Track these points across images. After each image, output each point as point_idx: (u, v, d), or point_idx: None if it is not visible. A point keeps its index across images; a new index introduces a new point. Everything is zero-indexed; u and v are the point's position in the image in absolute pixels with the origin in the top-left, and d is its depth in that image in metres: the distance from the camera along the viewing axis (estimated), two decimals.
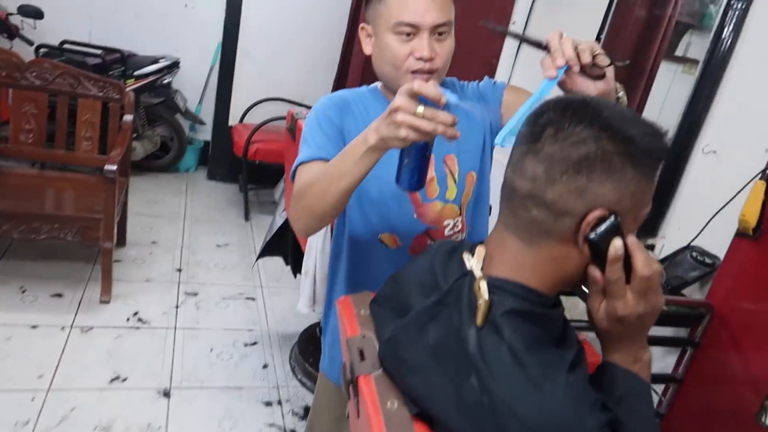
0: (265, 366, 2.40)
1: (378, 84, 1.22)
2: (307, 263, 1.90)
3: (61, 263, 2.83)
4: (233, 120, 4.19)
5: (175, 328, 2.55)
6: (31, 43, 3.54)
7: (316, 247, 1.86)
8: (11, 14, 3.54)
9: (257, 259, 2.47)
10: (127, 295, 2.71)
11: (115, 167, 2.44)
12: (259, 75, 4.19)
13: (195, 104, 4.28)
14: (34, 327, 2.37)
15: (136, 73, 3.73)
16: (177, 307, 2.70)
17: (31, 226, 2.44)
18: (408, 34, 1.06)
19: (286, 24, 4.12)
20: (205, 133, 4.45)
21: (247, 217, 3.76)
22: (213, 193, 4.11)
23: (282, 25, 4.12)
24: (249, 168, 3.72)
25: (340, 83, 3.46)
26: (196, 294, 2.84)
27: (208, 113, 4.37)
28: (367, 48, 1.15)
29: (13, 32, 3.56)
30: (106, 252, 2.56)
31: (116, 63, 3.67)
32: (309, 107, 4.07)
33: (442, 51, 1.09)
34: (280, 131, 3.85)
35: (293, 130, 2.03)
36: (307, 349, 2.39)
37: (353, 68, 3.19)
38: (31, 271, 2.72)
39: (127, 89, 3.27)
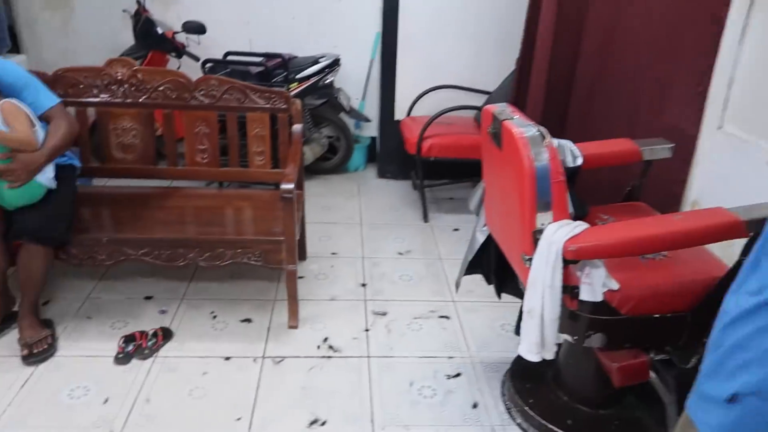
0: (474, 405, 2.04)
1: None
2: (532, 300, 1.49)
3: (246, 283, 2.72)
4: (400, 114, 3.88)
5: (368, 356, 2.29)
6: (197, 59, 3.52)
7: (543, 281, 1.44)
8: (177, 32, 3.55)
9: (458, 282, 2.12)
10: (314, 317, 2.51)
11: (291, 186, 2.23)
12: (423, 63, 3.82)
13: (358, 101, 4.05)
14: (227, 359, 2.24)
15: (298, 76, 3.57)
16: (367, 330, 2.45)
17: (215, 252, 2.32)
18: None
19: (449, 1, 3.70)
20: (371, 130, 4.21)
21: (425, 218, 3.44)
22: (385, 192, 3.85)
23: (443, 3, 3.70)
24: (423, 165, 3.38)
25: (526, 55, 2.96)
26: (384, 314, 2.56)
27: (372, 109, 4.12)
28: None
29: (180, 50, 3.57)
30: (290, 275, 2.37)
31: (278, 68, 3.53)
32: (486, 92, 3.67)
33: None
34: (454, 122, 3.48)
35: (497, 135, 1.60)
36: (524, 386, 1.98)
37: (542, 36, 2.68)
38: (219, 293, 2.64)
39: (291, 93, 3.11)
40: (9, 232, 2.15)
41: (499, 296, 2.07)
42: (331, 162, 4.05)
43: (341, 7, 3.90)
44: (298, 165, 2.45)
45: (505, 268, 1.87)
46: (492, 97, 3.49)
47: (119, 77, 2.56)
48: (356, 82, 4.03)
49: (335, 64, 3.66)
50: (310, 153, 3.78)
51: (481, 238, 1.88)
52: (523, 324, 1.56)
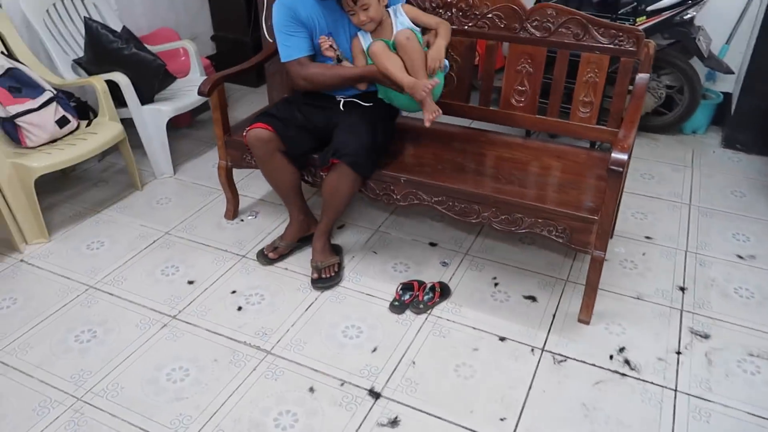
0: None
1: None
2: None
3: (537, 252, 2.38)
4: None
5: (676, 389, 1.78)
6: None
7: None
8: None
9: None
10: (611, 315, 2.07)
11: (624, 157, 1.74)
12: None
13: (719, 45, 3.18)
14: (502, 339, 1.97)
15: (651, 7, 2.88)
16: (678, 353, 1.92)
17: (512, 217, 2.00)
18: None
19: None
20: (725, 84, 3.31)
21: None
22: (730, 168, 3.02)
23: None
24: None
25: None
26: (706, 336, 1.98)
27: (735, 57, 3.21)
28: None
29: None
30: (595, 263, 1.94)
31: None
32: None
33: None
34: None
35: None
36: None
37: None
38: (505, 256, 2.35)
39: (639, 27, 2.51)
40: (323, 152, 2.13)
41: None
42: (665, 119, 3.32)
43: None
44: (635, 127, 1.92)
45: None
46: None
47: (447, 0, 2.31)
48: (721, 20, 3.14)
49: None
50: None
51: None
52: None
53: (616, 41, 2.13)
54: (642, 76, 2.12)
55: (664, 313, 2.08)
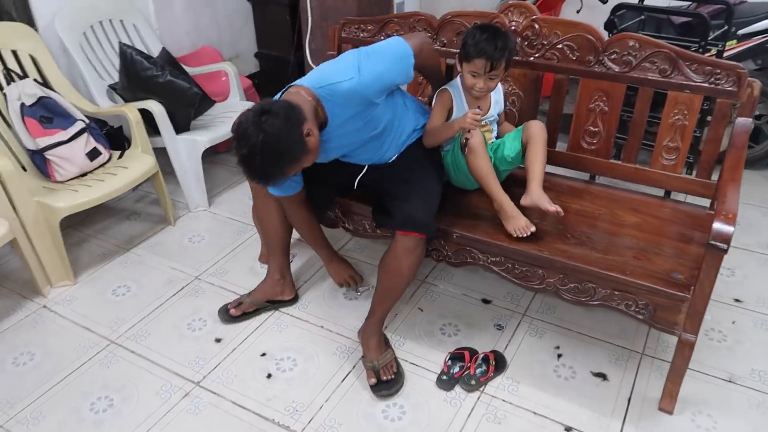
0: None
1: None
2: None
3: (605, 314, 2.07)
4: None
5: None
6: (604, 1, 2.76)
7: None
8: None
9: None
10: (698, 402, 1.76)
11: (731, 230, 1.44)
12: None
13: None
14: (568, 430, 1.69)
15: (742, 31, 2.54)
16: None
17: (583, 286, 1.72)
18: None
19: None
20: None
21: None
22: None
23: None
24: None
25: None
26: None
27: None
28: None
29: None
30: (683, 347, 1.63)
31: (716, 18, 2.55)
32: None
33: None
34: None
35: None
36: None
37: None
38: (568, 319, 2.07)
39: (729, 52, 2.20)
40: (378, 217, 1.88)
41: None
42: (752, 152, 2.95)
43: None
44: (738, 188, 1.61)
45: None
46: None
47: (512, 27, 2.03)
48: None
49: None
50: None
51: None
52: None
53: (712, 79, 1.82)
54: (743, 122, 1.80)
55: (764, 402, 1.76)
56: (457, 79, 1.93)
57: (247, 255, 2.45)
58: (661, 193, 2.23)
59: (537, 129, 1.84)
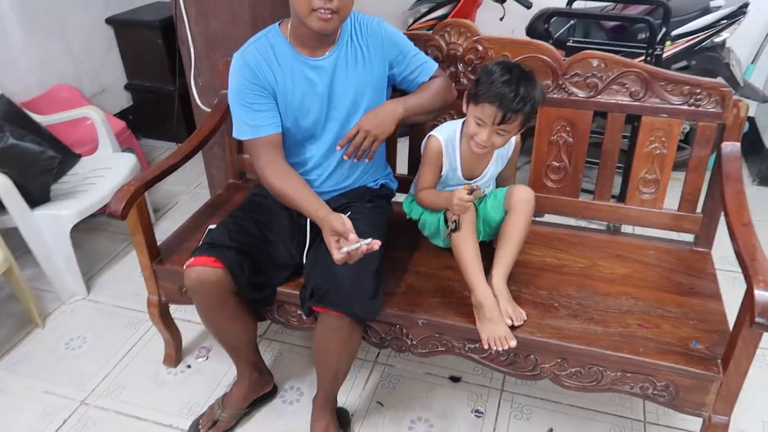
0: None
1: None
2: None
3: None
4: None
5: None
6: (528, 6, 2.48)
7: None
8: None
9: None
10: None
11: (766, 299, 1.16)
12: None
13: (744, 65, 2.69)
14: None
15: (675, 32, 2.35)
16: None
17: (587, 370, 1.40)
18: None
19: None
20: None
21: None
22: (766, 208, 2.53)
23: None
24: None
25: None
26: None
27: (759, 78, 2.74)
28: None
29: None
30: (713, 431, 1.36)
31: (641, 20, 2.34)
32: None
33: None
34: None
35: None
36: None
37: None
38: (555, 389, 1.75)
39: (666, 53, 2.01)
40: (302, 289, 1.48)
41: None
42: (684, 154, 2.81)
43: None
44: (753, 230, 1.35)
45: None
46: None
47: (452, 51, 1.68)
48: (745, 37, 2.65)
49: (739, 13, 2.34)
50: None
51: None
52: None
53: (692, 100, 1.56)
54: (731, 148, 1.56)
55: None
56: (452, 125, 1.55)
57: (146, 358, 1.92)
58: (631, 229, 1.98)
59: (522, 198, 1.49)
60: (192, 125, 2.80)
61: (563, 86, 1.64)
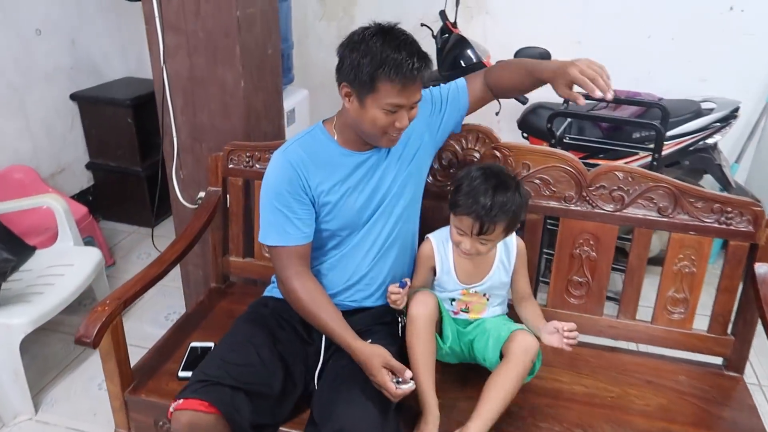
0: None
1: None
2: None
3: None
4: None
5: None
6: (524, 102, 2.44)
7: None
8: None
9: None
10: None
11: None
12: None
13: (728, 164, 2.71)
14: None
15: (669, 132, 2.34)
16: None
17: None
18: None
19: None
20: None
21: None
22: None
23: None
24: None
25: None
26: None
27: (742, 176, 2.78)
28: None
29: None
30: None
31: (647, 121, 2.33)
32: None
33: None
34: None
35: None
36: None
37: None
38: None
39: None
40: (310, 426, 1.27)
41: None
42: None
43: (731, 20, 2.58)
44: None
45: None
46: None
47: (468, 157, 1.57)
48: (726, 137, 2.69)
49: (731, 117, 2.36)
50: (657, 241, 2.54)
51: None
52: None
53: (723, 218, 1.48)
54: (765, 270, 1.48)
55: None
56: (448, 228, 1.43)
57: None
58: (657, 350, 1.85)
59: (521, 347, 1.31)
60: (161, 209, 2.59)
61: (587, 198, 1.54)
